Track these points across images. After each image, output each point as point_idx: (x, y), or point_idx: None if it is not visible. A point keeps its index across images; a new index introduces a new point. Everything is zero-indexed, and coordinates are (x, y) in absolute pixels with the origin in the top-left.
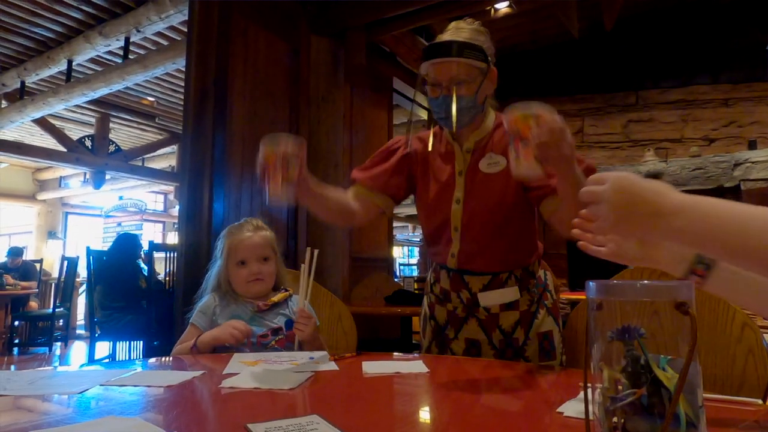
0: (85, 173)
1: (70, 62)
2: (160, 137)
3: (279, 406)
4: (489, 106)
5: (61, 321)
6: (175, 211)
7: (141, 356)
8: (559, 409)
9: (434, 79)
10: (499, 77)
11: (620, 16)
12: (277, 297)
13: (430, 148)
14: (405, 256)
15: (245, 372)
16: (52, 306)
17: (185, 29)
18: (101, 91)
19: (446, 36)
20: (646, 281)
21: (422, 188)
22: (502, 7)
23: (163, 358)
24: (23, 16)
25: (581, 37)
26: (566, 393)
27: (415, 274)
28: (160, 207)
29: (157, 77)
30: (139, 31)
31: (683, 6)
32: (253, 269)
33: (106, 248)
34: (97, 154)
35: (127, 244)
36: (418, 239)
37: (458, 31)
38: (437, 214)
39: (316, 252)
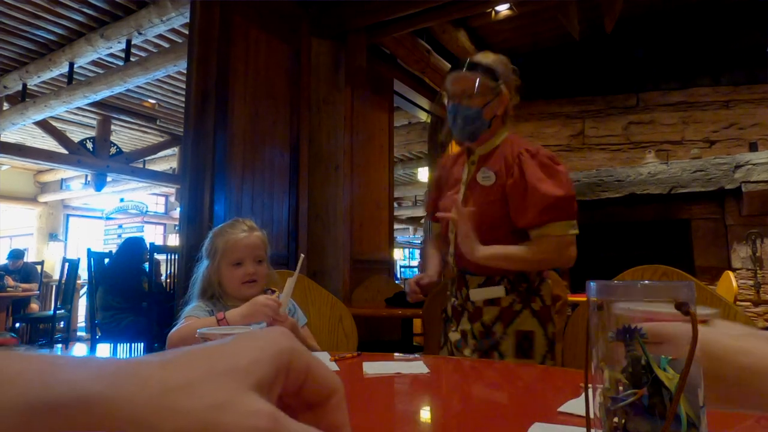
0: (86, 175)
1: (71, 64)
2: (161, 139)
3: None
4: (500, 126)
5: (62, 323)
6: (176, 213)
7: None
8: (560, 409)
9: (451, 90)
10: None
11: (621, 18)
12: None
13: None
14: (406, 258)
15: None
16: (53, 308)
17: (186, 31)
18: (102, 94)
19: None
20: (646, 281)
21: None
22: (503, 10)
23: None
24: (25, 19)
25: (582, 39)
26: (567, 393)
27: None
28: (162, 209)
29: (158, 79)
30: (140, 34)
31: (684, 8)
32: (249, 270)
33: (107, 250)
34: (98, 156)
35: (134, 247)
36: (419, 241)
37: (483, 56)
38: (443, 217)
39: (302, 258)
